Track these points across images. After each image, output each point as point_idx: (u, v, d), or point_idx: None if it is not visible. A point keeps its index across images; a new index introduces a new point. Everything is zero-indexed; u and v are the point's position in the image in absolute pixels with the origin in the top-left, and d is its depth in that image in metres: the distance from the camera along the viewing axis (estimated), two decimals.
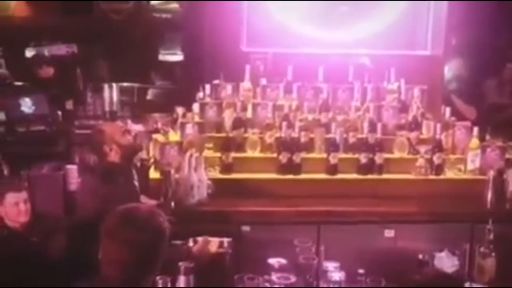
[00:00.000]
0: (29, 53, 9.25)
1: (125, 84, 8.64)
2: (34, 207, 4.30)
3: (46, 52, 8.54)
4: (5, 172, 5.47)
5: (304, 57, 5.54)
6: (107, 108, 6.98)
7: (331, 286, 2.99)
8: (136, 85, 8.66)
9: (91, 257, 2.49)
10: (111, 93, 7.24)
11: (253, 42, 5.54)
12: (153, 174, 4.68)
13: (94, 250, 2.43)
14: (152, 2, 10.06)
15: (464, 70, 6.78)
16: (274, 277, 3.01)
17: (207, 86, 5.10)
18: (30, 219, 4.19)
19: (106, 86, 6.67)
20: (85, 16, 9.42)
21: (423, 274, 2.20)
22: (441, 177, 4.91)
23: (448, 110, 5.13)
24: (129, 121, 5.47)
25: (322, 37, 5.73)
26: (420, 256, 3.48)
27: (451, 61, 6.57)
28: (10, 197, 4.12)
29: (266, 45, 5.59)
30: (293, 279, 2.98)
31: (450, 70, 6.61)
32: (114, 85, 6.97)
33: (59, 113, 6.68)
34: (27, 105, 6.37)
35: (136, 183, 4.25)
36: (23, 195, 4.17)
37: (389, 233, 4.53)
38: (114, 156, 4.02)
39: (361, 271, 3.09)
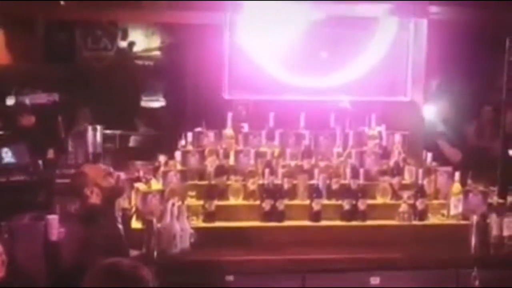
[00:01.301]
0: (9, 101, 9.24)
1: (107, 131, 8.62)
2: (15, 258, 4.20)
3: (27, 100, 8.51)
4: None
5: (286, 104, 5.58)
6: (90, 150, 6.92)
7: None
8: (118, 132, 8.64)
9: None
10: (95, 135, 7.21)
11: (235, 89, 5.57)
12: (135, 223, 4.63)
13: None
14: (134, 49, 10.14)
15: (449, 114, 6.85)
16: None
17: (189, 134, 5.10)
18: (5, 274, 4.05)
19: (90, 129, 6.64)
20: (67, 64, 9.45)
21: None
22: (425, 222, 4.90)
23: (429, 156, 5.16)
24: (111, 169, 5.43)
25: (303, 84, 5.78)
26: None
27: (434, 105, 6.65)
28: None
29: (248, 92, 5.63)
30: None
31: (434, 114, 6.68)
32: (98, 127, 6.94)
33: (40, 162, 6.62)
34: (7, 154, 6.32)
35: (120, 226, 4.21)
36: None
37: (374, 280, 4.49)
38: (95, 198, 3.99)
39: None
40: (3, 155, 6.30)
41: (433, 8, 5.68)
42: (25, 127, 7.52)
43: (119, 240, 4.03)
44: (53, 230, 5.19)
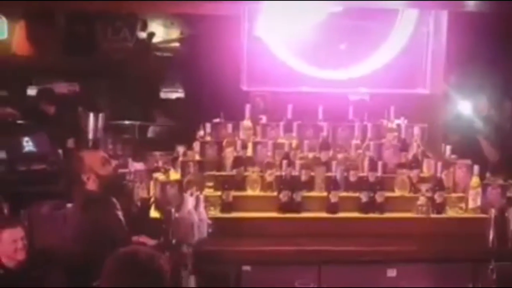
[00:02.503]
0: (31, 91, 9.33)
1: (126, 121, 8.68)
2: (34, 245, 4.27)
3: (48, 89, 8.59)
4: (5, 211, 5.45)
5: (304, 95, 5.57)
6: (90, 137, 6.98)
7: None
8: (137, 123, 8.69)
9: None
10: (96, 122, 7.25)
11: (253, 81, 5.57)
12: (153, 213, 4.67)
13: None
14: (153, 40, 10.17)
15: (492, 111, 6.78)
16: None
17: (208, 125, 5.12)
18: (27, 257, 4.12)
19: (91, 115, 6.69)
20: (87, 55, 9.51)
21: None
22: (443, 215, 4.88)
23: (448, 148, 5.14)
24: (130, 159, 5.47)
25: (321, 75, 5.76)
26: None
27: (455, 98, 6.61)
28: (7, 234, 4.06)
29: (266, 84, 5.62)
30: None
31: (477, 110, 6.63)
32: (100, 114, 6.99)
33: (60, 151, 6.68)
34: (28, 143, 6.38)
35: (119, 213, 4.21)
36: (20, 232, 4.11)
37: (391, 272, 4.49)
38: (91, 185, 4.01)
39: None
40: (24, 144, 6.37)
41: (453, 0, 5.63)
42: (45, 116, 7.59)
43: (118, 227, 4.03)
44: None
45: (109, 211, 4.07)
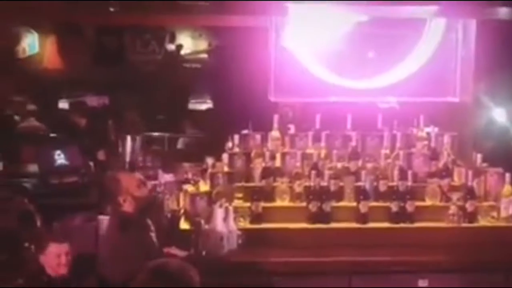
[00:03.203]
0: (62, 104, 9.46)
1: (155, 133, 8.75)
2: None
3: (78, 103, 8.71)
4: (38, 223, 5.53)
5: (332, 105, 5.56)
6: (127, 159, 7.05)
7: None
8: (166, 134, 8.75)
9: None
10: (134, 143, 7.34)
11: (281, 91, 5.58)
12: (183, 225, 4.69)
13: None
14: (181, 52, 10.25)
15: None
16: None
17: (236, 136, 5.14)
18: (68, 272, 4.14)
19: (128, 137, 6.76)
20: (116, 68, 9.63)
21: None
22: (475, 224, 4.83)
23: (479, 157, 5.08)
24: (160, 171, 5.52)
25: (350, 85, 5.73)
26: None
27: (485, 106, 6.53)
28: (53, 248, 4.08)
29: (293, 94, 5.63)
30: None
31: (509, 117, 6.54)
32: (137, 137, 7.06)
33: (91, 164, 6.76)
34: (60, 156, 6.47)
35: (153, 234, 4.24)
36: (65, 247, 4.12)
37: (423, 283, 4.45)
38: (128, 207, 4.04)
39: None
40: (56, 157, 6.46)
41: (482, 8, 5.58)
42: (77, 128, 7.70)
43: (153, 250, 4.07)
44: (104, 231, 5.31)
45: (144, 233, 4.10)
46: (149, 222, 4.19)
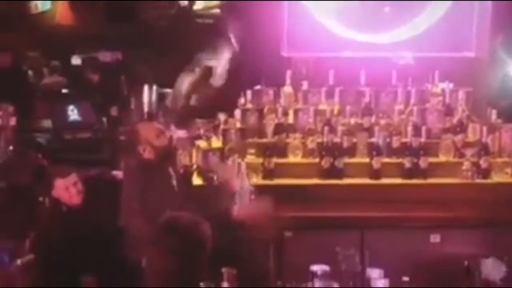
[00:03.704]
0: (74, 60, 9.43)
1: (168, 89, 8.71)
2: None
3: (91, 59, 8.67)
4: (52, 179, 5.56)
5: (346, 60, 5.49)
6: (145, 109, 7.04)
7: None
8: None
9: None
10: (151, 94, 7.32)
11: (293, 47, 5.52)
12: (196, 180, 4.71)
13: None
14: (194, 8, 10.13)
15: None
16: (317, 284, 2.99)
17: (249, 92, 5.11)
18: (84, 201, 4.24)
19: (146, 88, 6.73)
20: (129, 23, 9.54)
21: (470, 283, 2.15)
22: (488, 181, 4.81)
23: (494, 113, 5.03)
24: (172, 127, 5.51)
25: (364, 40, 5.66)
26: (466, 263, 3.41)
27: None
28: (59, 183, 4.21)
29: (307, 49, 5.57)
30: (336, 286, 2.95)
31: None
32: (154, 86, 7.04)
33: (104, 120, 6.76)
34: (73, 112, 6.47)
35: (174, 182, 4.25)
36: (72, 178, 4.22)
37: (434, 238, 4.46)
38: (148, 156, 4.05)
39: (405, 278, 3.04)
40: (69, 113, 6.46)
41: None
42: (90, 84, 7.68)
43: (174, 196, 4.06)
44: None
45: (166, 181, 4.09)
46: (171, 170, 4.18)
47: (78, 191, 4.23)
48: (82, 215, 4.25)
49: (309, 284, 3.04)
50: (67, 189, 4.20)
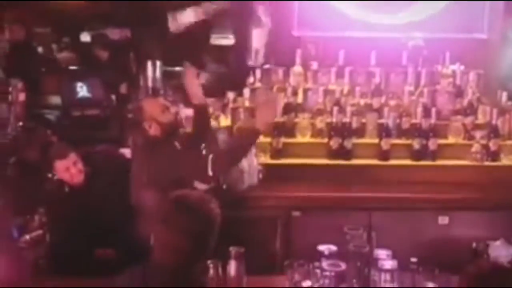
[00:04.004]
0: (83, 37, 9.41)
1: (177, 68, 8.68)
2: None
3: (100, 36, 8.63)
4: None
5: (356, 41, 5.46)
6: (149, 85, 7.01)
7: (383, 274, 2.95)
8: None
9: None
10: (155, 70, 7.29)
11: (304, 26, 5.49)
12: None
13: None
14: None
15: None
16: (324, 264, 2.99)
17: (258, 71, 5.08)
18: (85, 179, 4.25)
19: (149, 64, 6.70)
20: (138, 1, 9.48)
21: (478, 265, 2.14)
22: (497, 163, 4.79)
23: (504, 95, 4.99)
24: (181, 105, 5.50)
25: (374, 20, 5.63)
26: (475, 245, 3.40)
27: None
28: (59, 164, 4.19)
29: (317, 29, 5.53)
30: (343, 266, 2.96)
31: None
32: (157, 62, 7.01)
33: (113, 97, 6.76)
34: (82, 89, 6.47)
35: (182, 158, 4.21)
36: (71, 158, 4.20)
37: (443, 220, 4.45)
38: (154, 132, 4.03)
39: (414, 259, 3.03)
40: (78, 89, 6.46)
41: None
42: (99, 61, 7.66)
43: (181, 172, 4.06)
44: None
45: (173, 156, 4.07)
46: (177, 145, 4.17)
47: (79, 170, 4.21)
48: (87, 193, 4.26)
49: (316, 264, 3.04)
50: (67, 169, 4.18)
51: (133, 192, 4.05)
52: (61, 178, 4.23)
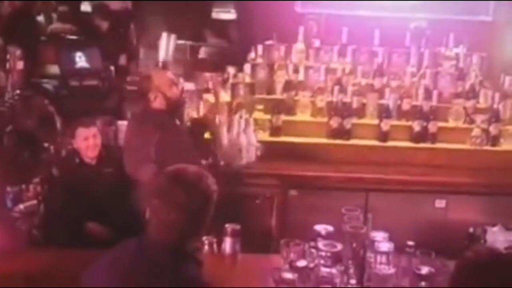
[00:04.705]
0: (84, 7, 9.30)
1: (178, 41, 8.59)
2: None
3: (101, 6, 8.53)
4: (58, 125, 5.53)
5: (360, 19, 5.38)
6: (161, 57, 6.89)
7: (378, 256, 2.93)
8: (189, 42, 8.60)
9: None
10: (168, 43, 7.21)
11: (307, 3, 5.41)
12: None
13: None
14: None
15: None
16: (320, 244, 2.96)
17: (259, 47, 5.02)
18: (99, 154, 4.33)
19: (164, 35, 6.61)
20: None
21: (475, 251, 2.12)
22: (497, 148, 4.77)
23: (508, 79, 4.95)
24: (181, 79, 5.44)
25: None
26: (471, 230, 3.38)
27: None
28: (80, 131, 4.29)
29: (320, 6, 5.46)
30: (339, 247, 2.93)
31: None
32: (172, 35, 6.92)
33: (112, 68, 6.69)
34: (81, 59, 6.40)
35: (181, 134, 4.17)
36: (93, 130, 4.32)
37: (440, 203, 4.43)
38: (158, 104, 3.98)
39: (410, 242, 3.01)
40: (77, 59, 6.39)
41: None
42: (99, 31, 7.58)
43: (180, 148, 4.01)
44: (123, 135, 5.31)
45: (172, 131, 4.01)
46: (177, 122, 4.13)
47: (95, 144, 4.30)
48: (96, 170, 4.30)
49: (312, 244, 3.01)
50: (86, 139, 4.26)
51: (130, 164, 3.99)
52: (77, 147, 4.30)
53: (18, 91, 5.49)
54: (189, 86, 5.24)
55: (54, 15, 8.82)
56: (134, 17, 8.58)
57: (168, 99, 3.96)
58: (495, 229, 3.37)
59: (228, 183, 4.02)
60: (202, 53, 8.58)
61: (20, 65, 5.63)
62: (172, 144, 3.84)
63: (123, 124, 5.38)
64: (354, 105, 4.77)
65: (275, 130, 4.70)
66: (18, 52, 5.64)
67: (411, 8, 5.55)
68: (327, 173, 4.49)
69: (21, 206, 3.84)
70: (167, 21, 8.90)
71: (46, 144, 5.12)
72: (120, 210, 4.05)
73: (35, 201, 4.00)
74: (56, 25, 8.48)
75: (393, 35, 5.19)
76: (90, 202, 4.18)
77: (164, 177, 2.40)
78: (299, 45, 5.04)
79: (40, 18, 8.72)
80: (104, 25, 7.73)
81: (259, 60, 5.00)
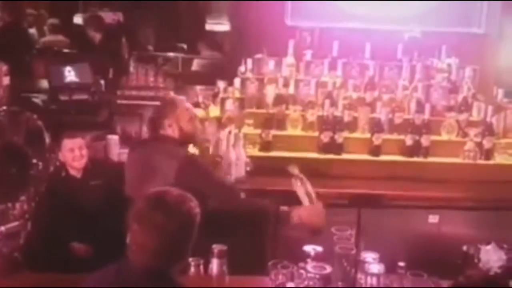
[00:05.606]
0: (76, 20, 9.28)
1: (170, 53, 8.56)
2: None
3: (94, 17, 8.49)
4: (47, 140, 5.46)
5: (351, 32, 5.34)
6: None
7: (369, 278, 2.86)
8: (181, 55, 8.57)
9: None
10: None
11: (298, 16, 5.37)
12: (191, 149, 4.58)
13: None
14: None
15: None
16: (309, 266, 2.89)
17: (249, 61, 4.97)
18: (86, 167, 4.40)
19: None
20: None
21: (467, 276, 2.06)
22: (491, 162, 4.71)
23: (501, 92, 4.90)
24: (171, 93, 5.40)
25: (369, 11, 5.50)
26: (465, 248, 3.31)
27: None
28: (66, 143, 4.37)
29: (311, 19, 5.42)
30: (328, 269, 2.86)
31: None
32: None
33: (102, 82, 6.63)
34: (70, 73, 6.34)
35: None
36: (79, 141, 4.39)
37: (433, 218, 4.36)
38: (170, 134, 3.65)
39: (401, 263, 2.94)
40: (66, 73, 6.32)
41: None
42: (92, 44, 7.53)
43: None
44: (113, 150, 5.26)
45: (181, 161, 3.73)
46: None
47: (81, 155, 4.36)
48: (81, 183, 4.34)
49: (301, 265, 2.94)
50: (72, 150, 4.33)
51: (132, 187, 3.74)
52: (63, 159, 4.37)
53: (4, 107, 5.42)
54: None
55: (46, 28, 8.80)
56: (125, 30, 8.55)
57: (182, 131, 3.65)
58: (489, 247, 3.29)
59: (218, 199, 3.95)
60: (195, 65, 8.54)
61: (6, 80, 5.57)
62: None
63: (113, 138, 5.33)
64: (346, 119, 4.71)
65: (265, 145, 4.64)
66: (5, 67, 5.58)
67: (402, 20, 5.52)
68: (319, 189, 4.40)
69: (2, 228, 3.72)
70: (159, 33, 8.90)
71: (34, 160, 5.04)
72: (106, 224, 3.98)
73: (17, 222, 3.90)
74: (48, 38, 8.46)
75: (385, 48, 5.15)
76: (77, 216, 4.14)
77: (144, 201, 2.34)
78: (289, 59, 4.98)
79: (33, 31, 8.70)
80: (97, 36, 7.68)
81: (249, 74, 4.94)
